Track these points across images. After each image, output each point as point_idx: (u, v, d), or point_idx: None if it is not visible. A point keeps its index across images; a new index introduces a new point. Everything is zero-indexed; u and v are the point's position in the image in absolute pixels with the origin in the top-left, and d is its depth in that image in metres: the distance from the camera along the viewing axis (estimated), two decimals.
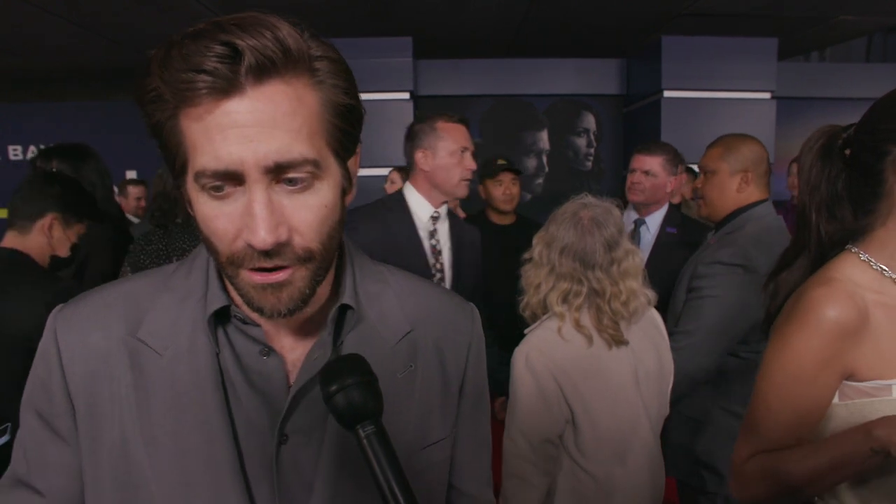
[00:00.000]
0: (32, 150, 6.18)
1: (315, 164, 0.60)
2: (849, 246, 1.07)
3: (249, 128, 0.56)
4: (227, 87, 0.55)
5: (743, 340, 1.93)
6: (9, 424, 1.72)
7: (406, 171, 4.06)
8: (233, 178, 0.58)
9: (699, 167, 2.16)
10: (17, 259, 1.76)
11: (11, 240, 1.81)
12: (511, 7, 4.21)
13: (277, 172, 0.58)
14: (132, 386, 0.66)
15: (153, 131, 0.61)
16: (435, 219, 2.15)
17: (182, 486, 0.65)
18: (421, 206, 2.13)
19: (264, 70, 0.56)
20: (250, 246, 0.58)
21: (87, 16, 4.07)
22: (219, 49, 0.54)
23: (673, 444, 2.07)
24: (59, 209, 1.83)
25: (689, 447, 2.03)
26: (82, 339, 0.68)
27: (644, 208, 2.69)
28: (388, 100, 4.56)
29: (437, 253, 2.14)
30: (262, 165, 0.57)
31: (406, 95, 4.64)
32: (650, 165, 2.62)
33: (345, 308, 0.72)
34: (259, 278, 0.61)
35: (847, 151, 1.07)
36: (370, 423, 0.56)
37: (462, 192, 2.14)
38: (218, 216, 0.59)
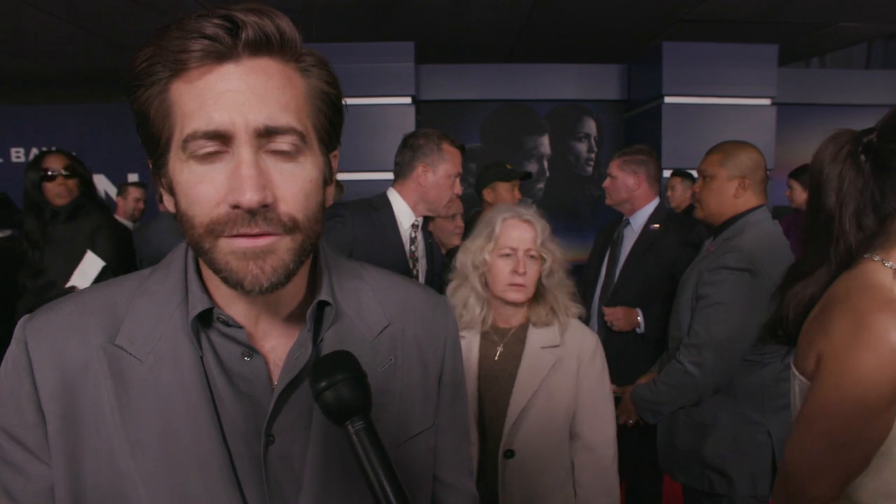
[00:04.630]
0: (35, 153, 6.19)
1: (301, 136, 0.62)
2: (868, 255, 1.03)
3: (242, 93, 0.59)
4: (225, 53, 0.59)
5: None
6: None
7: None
8: (222, 141, 0.59)
9: (698, 171, 2.19)
10: None
11: None
12: (513, 12, 4.22)
13: (266, 137, 0.60)
14: (113, 393, 0.65)
15: (139, 111, 0.62)
16: (415, 227, 2.25)
17: (172, 487, 0.64)
18: (404, 214, 2.22)
19: (260, 45, 0.60)
20: (237, 206, 0.59)
21: (88, 17, 4.09)
22: (218, 21, 0.58)
23: (680, 449, 2.09)
24: None
25: (696, 451, 2.04)
26: (57, 349, 0.66)
27: (626, 208, 2.76)
28: (389, 104, 4.57)
29: (414, 259, 2.25)
30: (252, 128, 0.59)
31: (408, 100, 4.65)
32: (611, 169, 2.78)
33: (322, 305, 0.72)
34: (243, 242, 0.60)
35: (870, 157, 1.04)
36: (359, 419, 0.57)
37: (445, 212, 2.31)
38: (202, 181, 0.60)
